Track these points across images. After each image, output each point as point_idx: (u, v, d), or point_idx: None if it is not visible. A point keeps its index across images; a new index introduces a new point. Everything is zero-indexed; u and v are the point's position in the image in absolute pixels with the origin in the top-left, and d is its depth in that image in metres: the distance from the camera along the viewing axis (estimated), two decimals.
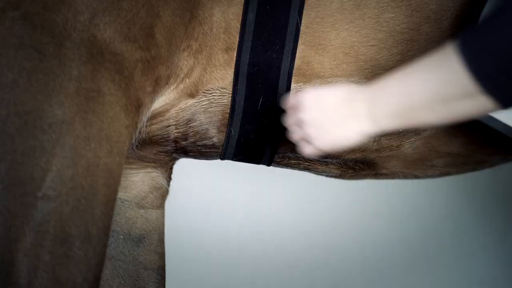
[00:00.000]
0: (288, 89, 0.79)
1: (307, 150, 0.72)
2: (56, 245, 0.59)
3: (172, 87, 0.76)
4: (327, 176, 0.95)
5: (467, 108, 0.57)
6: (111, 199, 0.65)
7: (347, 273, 2.05)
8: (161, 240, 0.91)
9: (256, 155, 0.86)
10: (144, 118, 0.72)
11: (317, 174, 0.95)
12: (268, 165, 0.88)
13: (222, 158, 0.88)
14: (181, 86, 0.76)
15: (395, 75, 0.63)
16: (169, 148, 0.83)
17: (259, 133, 0.82)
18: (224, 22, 0.75)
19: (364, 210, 2.04)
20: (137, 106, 0.68)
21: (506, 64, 0.53)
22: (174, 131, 0.79)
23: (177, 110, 0.78)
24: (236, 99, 0.79)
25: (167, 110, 0.78)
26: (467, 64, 0.54)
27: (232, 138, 0.82)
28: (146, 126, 0.77)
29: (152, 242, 0.90)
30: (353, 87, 0.69)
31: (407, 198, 2.07)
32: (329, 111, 0.67)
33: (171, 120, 0.79)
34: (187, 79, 0.76)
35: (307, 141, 0.71)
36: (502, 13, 0.54)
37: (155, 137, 0.80)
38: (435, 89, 0.57)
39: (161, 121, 0.79)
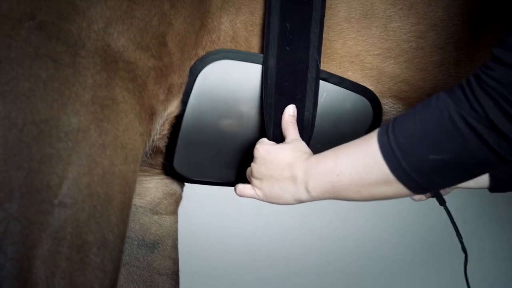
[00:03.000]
0: (310, 137, 0.81)
1: (249, 192, 0.77)
2: (73, 252, 0.60)
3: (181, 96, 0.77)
4: None
5: (386, 192, 0.65)
6: (126, 206, 0.66)
7: (354, 274, 2.06)
8: (175, 246, 0.92)
9: None
10: (158, 126, 0.73)
11: None
12: None
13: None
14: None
15: (328, 154, 0.69)
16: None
17: None
18: (232, 31, 0.77)
19: (369, 213, 2.05)
20: (151, 114, 0.70)
21: (417, 164, 0.60)
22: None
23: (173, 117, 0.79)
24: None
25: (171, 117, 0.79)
26: (384, 157, 0.62)
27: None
28: (159, 133, 0.78)
29: (166, 247, 0.91)
30: (298, 151, 0.73)
31: (412, 202, 2.07)
32: (273, 170, 0.74)
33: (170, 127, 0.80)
34: None
35: (255, 186, 0.77)
36: (419, 112, 0.61)
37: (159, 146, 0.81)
38: (360, 175, 0.65)
39: (163, 130, 0.80)
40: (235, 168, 0.85)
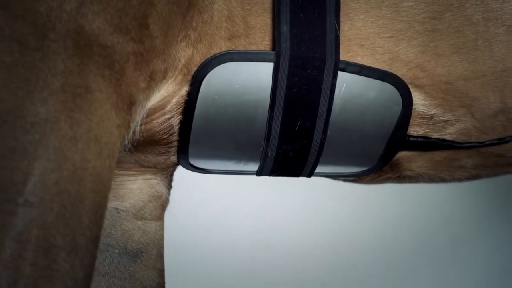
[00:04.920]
0: (329, 108, 0.77)
1: None
2: (39, 257, 0.56)
3: (170, 81, 0.74)
4: (344, 180, 0.93)
5: None
6: (100, 207, 0.62)
7: (358, 278, 2.06)
8: (160, 255, 0.89)
9: (295, 170, 0.84)
10: (138, 117, 0.69)
11: (334, 178, 0.94)
12: (308, 176, 0.87)
13: (258, 175, 0.86)
14: (180, 77, 0.74)
15: None
16: (173, 144, 0.81)
17: (298, 151, 0.80)
18: (227, 10, 0.73)
19: (368, 216, 2.09)
20: (130, 104, 0.66)
21: None
22: (177, 118, 0.78)
23: (177, 99, 0.76)
24: (272, 124, 0.77)
25: (168, 102, 0.76)
26: None
27: (269, 158, 0.81)
28: (140, 125, 0.74)
29: (151, 257, 0.87)
30: None
31: (416, 204, 2.13)
32: None
33: (173, 112, 0.77)
34: (185, 69, 0.74)
35: None
36: None
37: (157, 134, 0.78)
38: None
39: (163, 114, 0.76)
40: (253, 159, 0.83)
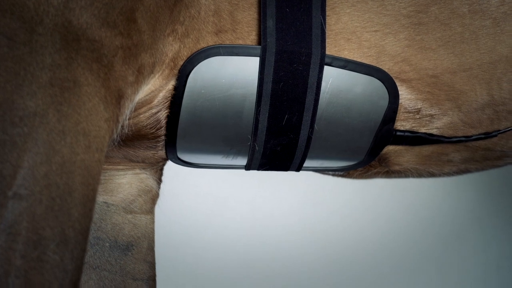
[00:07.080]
0: (316, 102, 0.78)
1: None
2: (29, 248, 0.57)
3: (157, 75, 0.74)
4: (333, 175, 0.94)
5: None
6: (89, 199, 0.63)
7: (352, 275, 2.07)
8: (151, 248, 0.90)
9: (284, 165, 0.85)
10: (127, 111, 0.70)
11: (323, 173, 0.94)
12: (297, 171, 0.88)
13: (247, 169, 0.87)
14: (166, 71, 0.75)
15: None
16: (161, 138, 0.81)
17: (285, 146, 0.81)
18: (214, 5, 0.74)
19: (367, 211, 2.08)
20: (118, 98, 0.67)
21: None
22: (164, 112, 0.78)
23: (164, 93, 0.77)
24: (259, 118, 0.78)
25: (155, 96, 0.77)
26: None
27: (257, 152, 0.82)
28: (129, 119, 0.75)
29: (141, 250, 0.88)
30: None
31: (413, 199, 2.14)
32: None
33: (160, 106, 0.78)
34: (172, 63, 0.75)
35: None
36: None
37: (144, 128, 0.79)
38: None
39: (150, 108, 0.77)
40: (242, 153, 0.84)
